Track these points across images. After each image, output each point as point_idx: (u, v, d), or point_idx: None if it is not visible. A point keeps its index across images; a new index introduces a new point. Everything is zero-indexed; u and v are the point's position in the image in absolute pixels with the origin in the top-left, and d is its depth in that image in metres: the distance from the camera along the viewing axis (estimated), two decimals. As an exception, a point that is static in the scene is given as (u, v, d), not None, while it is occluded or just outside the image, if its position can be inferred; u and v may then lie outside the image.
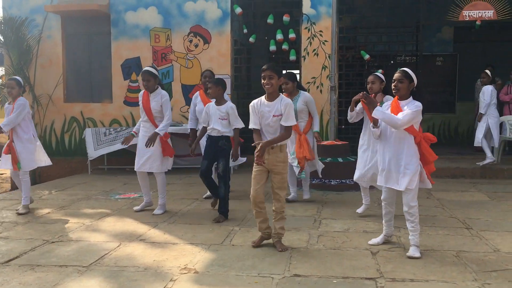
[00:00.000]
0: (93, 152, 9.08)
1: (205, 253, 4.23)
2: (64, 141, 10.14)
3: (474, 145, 8.61)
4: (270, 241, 4.42)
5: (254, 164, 4.31)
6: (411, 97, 4.13)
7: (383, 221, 4.43)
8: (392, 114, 4.05)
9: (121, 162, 9.58)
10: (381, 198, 4.38)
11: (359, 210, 5.59)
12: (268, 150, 4.21)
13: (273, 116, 4.24)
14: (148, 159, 5.74)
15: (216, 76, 6.47)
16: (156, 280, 3.60)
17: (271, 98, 4.29)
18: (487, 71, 8.67)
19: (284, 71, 5.85)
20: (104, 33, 10.04)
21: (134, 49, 9.85)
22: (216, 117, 5.46)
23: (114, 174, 9.15)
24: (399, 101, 4.15)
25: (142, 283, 3.55)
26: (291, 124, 4.27)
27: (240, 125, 5.51)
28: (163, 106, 5.71)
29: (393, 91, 4.18)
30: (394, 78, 4.15)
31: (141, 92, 5.88)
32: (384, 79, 5.28)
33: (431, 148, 4.23)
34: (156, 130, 5.63)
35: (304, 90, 6.32)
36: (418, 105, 4.05)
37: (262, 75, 4.25)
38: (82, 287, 3.49)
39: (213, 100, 5.75)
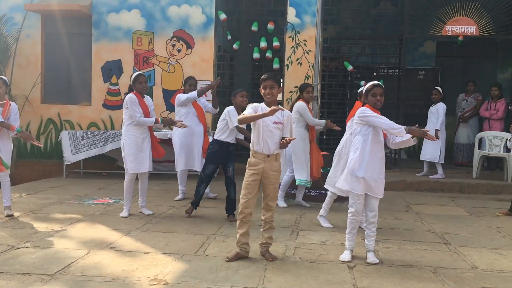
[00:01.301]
0: (70, 157, 8.84)
1: (177, 263, 4.08)
2: (39, 143, 9.85)
3: (431, 160, 8.64)
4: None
5: (246, 172, 4.21)
6: None
7: (349, 236, 4.29)
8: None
9: (98, 166, 9.36)
10: (353, 210, 4.24)
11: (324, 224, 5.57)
12: (264, 158, 4.15)
13: (274, 122, 4.16)
14: (145, 159, 5.83)
15: (200, 82, 6.64)
16: (123, 291, 3.44)
17: (271, 106, 4.17)
18: (438, 88, 8.80)
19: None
20: (85, 34, 9.85)
21: (115, 51, 9.67)
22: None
23: (90, 178, 8.93)
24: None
25: (108, 294, 3.39)
26: (288, 136, 4.23)
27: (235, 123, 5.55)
28: (150, 108, 5.91)
29: (376, 105, 4.22)
30: (376, 92, 4.21)
31: (132, 96, 5.73)
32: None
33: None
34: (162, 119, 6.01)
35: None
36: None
37: (263, 84, 4.18)
38: (44, 297, 3.31)
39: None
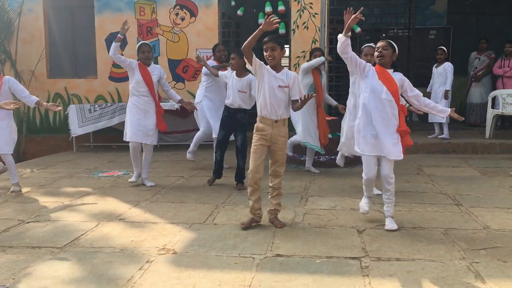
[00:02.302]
0: (76, 129, 8.84)
1: (185, 233, 4.08)
2: (48, 118, 9.88)
3: (443, 121, 8.43)
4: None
5: (254, 137, 4.17)
6: (392, 69, 4.10)
7: (365, 188, 4.31)
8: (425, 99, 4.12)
9: (107, 139, 9.37)
10: (363, 173, 4.21)
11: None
12: (272, 123, 4.09)
13: (279, 86, 4.08)
14: (145, 131, 5.76)
15: (203, 50, 6.52)
16: (131, 262, 3.45)
17: (276, 70, 4.12)
18: (443, 47, 8.59)
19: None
20: (87, 6, 9.68)
21: (119, 22, 9.36)
22: (236, 89, 5.54)
23: (99, 151, 8.96)
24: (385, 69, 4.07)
25: (117, 265, 3.40)
26: (297, 98, 4.16)
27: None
28: (163, 81, 5.90)
29: (377, 58, 4.06)
30: (378, 46, 4.08)
31: (134, 62, 5.71)
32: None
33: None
34: (181, 99, 6.07)
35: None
36: (401, 75, 4.12)
37: (264, 47, 4.06)
38: (53, 269, 3.33)
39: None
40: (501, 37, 10.44)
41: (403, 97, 4.30)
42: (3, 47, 9.35)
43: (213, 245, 3.76)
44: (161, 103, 8.49)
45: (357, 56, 4.15)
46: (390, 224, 4.10)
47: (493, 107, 8.61)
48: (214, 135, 6.49)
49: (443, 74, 8.44)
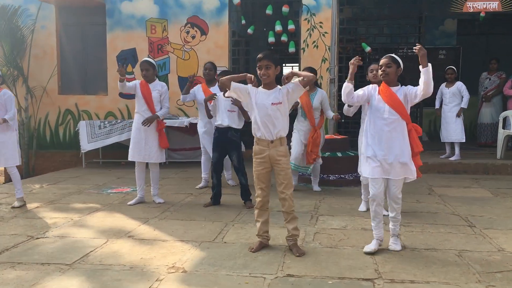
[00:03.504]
0: (86, 145, 8.89)
1: (195, 251, 4.04)
2: (58, 134, 9.93)
3: (459, 140, 8.40)
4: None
5: (254, 161, 4.03)
6: (399, 84, 4.00)
7: (374, 224, 4.05)
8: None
9: (116, 156, 9.38)
10: (370, 196, 4.02)
11: (361, 208, 5.43)
12: (268, 144, 3.95)
13: (272, 104, 3.90)
14: (146, 150, 5.76)
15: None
16: (141, 280, 3.41)
17: (268, 87, 3.98)
18: (453, 67, 8.57)
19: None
20: (99, 23, 9.81)
21: (130, 40, 9.63)
22: (224, 109, 5.56)
23: (108, 167, 8.97)
24: (389, 87, 3.97)
25: (126, 283, 3.36)
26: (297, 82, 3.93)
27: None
28: (163, 96, 5.82)
29: (381, 76, 3.98)
30: (381, 63, 3.98)
31: (136, 82, 5.79)
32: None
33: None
34: (157, 113, 5.70)
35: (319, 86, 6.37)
36: (411, 87, 3.98)
37: (258, 65, 3.92)
38: (62, 286, 3.29)
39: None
40: (511, 56, 10.42)
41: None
42: (15, 63, 9.45)
43: (223, 264, 3.71)
44: (170, 120, 8.60)
45: (358, 93, 4.03)
46: (394, 244, 4.01)
47: (504, 127, 8.54)
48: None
49: (457, 94, 8.37)
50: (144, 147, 5.73)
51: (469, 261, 3.73)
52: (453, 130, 8.39)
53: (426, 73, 3.76)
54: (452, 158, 8.41)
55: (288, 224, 4.05)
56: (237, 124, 5.65)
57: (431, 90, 3.82)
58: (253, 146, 4.06)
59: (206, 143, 6.57)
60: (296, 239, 4.06)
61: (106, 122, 9.01)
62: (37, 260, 3.83)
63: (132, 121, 8.60)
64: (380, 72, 3.99)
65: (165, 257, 3.90)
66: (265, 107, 3.91)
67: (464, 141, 8.38)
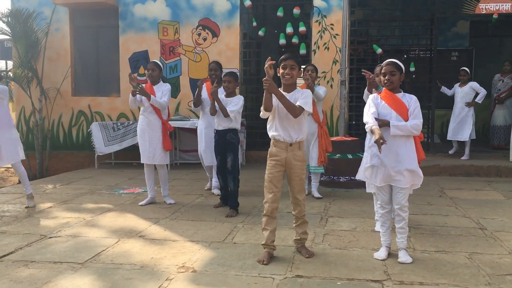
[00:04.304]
0: (103, 148, 9.01)
1: (205, 251, 4.07)
2: (72, 135, 10.05)
3: (465, 139, 8.61)
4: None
5: (268, 163, 3.94)
6: (401, 90, 3.93)
7: (383, 231, 3.99)
8: (407, 123, 3.77)
9: (128, 157, 9.47)
10: (379, 203, 3.98)
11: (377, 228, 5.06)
12: (286, 147, 3.88)
13: None
14: (150, 152, 5.80)
15: (225, 70, 6.40)
16: (151, 279, 3.45)
17: (288, 89, 3.93)
18: (466, 68, 8.79)
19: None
20: (112, 26, 9.92)
21: (142, 42, 9.72)
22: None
23: (120, 168, 9.06)
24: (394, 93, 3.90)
25: (137, 282, 3.40)
26: (306, 109, 3.85)
27: (231, 114, 5.38)
28: (163, 93, 5.77)
29: (385, 85, 3.88)
30: (383, 71, 3.86)
31: (142, 86, 5.81)
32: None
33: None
34: (152, 97, 5.63)
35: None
36: (415, 98, 3.90)
37: (283, 64, 3.84)
38: (74, 285, 3.35)
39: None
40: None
41: None
42: (30, 65, 9.58)
43: (232, 264, 3.74)
44: (181, 122, 8.65)
45: (371, 112, 3.89)
46: (404, 257, 3.81)
47: (516, 129, 8.48)
48: (205, 163, 6.37)
49: (469, 94, 8.55)
50: (148, 148, 5.79)
51: (479, 264, 3.72)
52: (459, 129, 8.60)
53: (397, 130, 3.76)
54: (462, 158, 8.47)
55: (298, 228, 4.02)
56: (236, 125, 5.50)
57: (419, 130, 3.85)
58: (270, 148, 3.96)
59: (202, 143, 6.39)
60: (304, 243, 4.06)
61: (119, 124, 9.09)
62: (50, 259, 3.90)
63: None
64: (384, 80, 3.87)
65: (175, 257, 3.94)
66: (284, 110, 3.82)
67: (467, 140, 8.52)
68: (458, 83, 8.76)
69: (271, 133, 3.94)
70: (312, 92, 5.90)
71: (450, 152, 8.76)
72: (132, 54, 9.76)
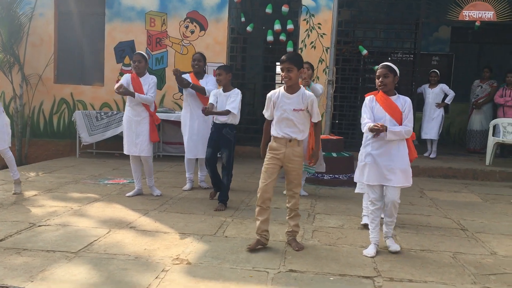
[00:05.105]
0: (87, 138, 8.91)
1: (197, 244, 4.11)
2: (52, 123, 9.90)
3: (433, 137, 9.18)
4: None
5: (266, 156, 4.09)
6: (396, 92, 4.09)
7: (372, 228, 4.13)
8: (401, 127, 3.95)
9: (110, 147, 9.40)
10: (370, 199, 4.11)
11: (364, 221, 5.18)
12: (286, 142, 4.01)
13: (294, 110, 3.98)
14: (138, 143, 5.78)
15: (211, 64, 6.42)
16: (147, 270, 3.48)
17: (291, 91, 4.02)
18: (436, 70, 9.34)
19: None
20: (98, 13, 9.80)
21: (129, 32, 9.63)
22: (223, 105, 5.48)
23: (102, 158, 8.98)
24: (388, 96, 4.06)
25: (133, 272, 3.42)
26: (318, 119, 4.12)
27: (233, 110, 5.40)
28: (150, 86, 5.75)
29: (379, 87, 4.06)
30: (378, 74, 4.04)
31: (128, 76, 5.79)
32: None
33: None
34: (136, 94, 5.62)
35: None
36: (409, 101, 4.08)
37: (281, 67, 3.97)
38: (70, 274, 3.35)
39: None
40: (502, 66, 10.67)
41: None
42: (12, 51, 9.39)
43: (226, 258, 3.80)
44: (166, 114, 8.64)
45: (367, 115, 4.07)
46: (394, 245, 4.09)
47: (493, 135, 8.75)
48: (188, 156, 6.27)
49: (439, 95, 9.14)
50: (135, 140, 5.76)
51: (464, 263, 3.87)
52: (430, 128, 9.09)
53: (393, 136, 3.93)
54: (430, 156, 9.09)
55: (291, 220, 4.15)
56: (234, 120, 5.51)
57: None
58: (270, 143, 4.10)
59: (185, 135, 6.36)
60: (296, 235, 4.19)
61: (103, 113, 9.01)
62: (42, 247, 3.88)
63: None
64: (377, 82, 4.04)
65: (168, 248, 3.97)
66: (286, 112, 3.97)
67: (436, 139, 9.07)
68: (427, 84, 9.27)
69: (272, 132, 4.10)
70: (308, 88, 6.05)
71: (425, 154, 9.09)
72: (118, 43, 9.66)
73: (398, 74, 4.09)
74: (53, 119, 9.87)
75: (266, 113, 4.13)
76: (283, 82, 4.02)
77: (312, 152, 4.36)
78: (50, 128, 9.90)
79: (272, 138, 4.11)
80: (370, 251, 4.03)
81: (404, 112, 4.00)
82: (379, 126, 3.87)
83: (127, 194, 5.87)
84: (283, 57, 3.97)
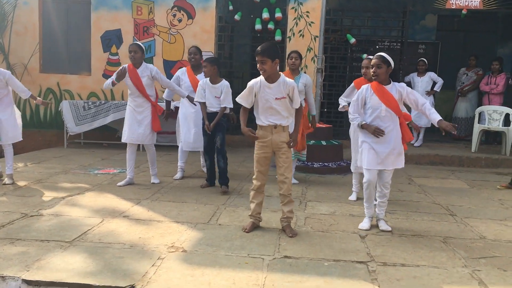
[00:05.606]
0: (74, 127, 8.81)
1: (191, 232, 4.14)
2: (39, 113, 9.79)
3: (426, 125, 9.16)
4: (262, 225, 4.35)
5: (255, 146, 4.16)
6: (391, 81, 4.21)
7: (367, 205, 4.39)
8: (430, 110, 4.15)
9: (97, 137, 9.33)
10: (366, 181, 4.28)
11: (352, 198, 5.55)
12: (271, 129, 4.07)
13: (276, 99, 4.01)
14: (140, 132, 5.81)
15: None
16: (143, 258, 3.49)
17: (270, 80, 4.05)
18: (424, 59, 9.44)
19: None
20: (83, 2, 9.67)
21: (115, 20, 9.53)
22: (212, 95, 5.61)
23: (91, 148, 8.92)
24: (383, 86, 4.18)
25: (129, 260, 3.44)
26: (298, 106, 4.15)
27: (229, 105, 5.61)
28: (158, 77, 5.82)
29: (373, 77, 4.20)
30: (372, 63, 4.17)
31: (124, 68, 5.71)
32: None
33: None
34: (168, 101, 6.29)
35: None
36: (404, 84, 4.26)
37: (257, 59, 4.00)
38: (66, 262, 3.35)
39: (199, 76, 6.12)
40: (487, 54, 10.78)
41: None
42: (-4, 39, 9.25)
43: (221, 245, 3.83)
44: (160, 104, 8.59)
45: (356, 105, 4.30)
46: (384, 225, 4.33)
47: (479, 122, 8.88)
48: (185, 148, 6.30)
49: (429, 83, 9.24)
50: (137, 129, 5.77)
51: (454, 247, 3.95)
52: (422, 116, 8.92)
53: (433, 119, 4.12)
54: (415, 144, 9.13)
55: (284, 207, 4.21)
56: (227, 110, 5.71)
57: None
58: (257, 131, 4.15)
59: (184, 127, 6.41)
60: (290, 221, 4.25)
61: (90, 103, 8.92)
62: (36, 237, 3.86)
63: (117, 103, 8.68)
64: (371, 72, 4.19)
65: (163, 237, 3.98)
66: (268, 101, 4.03)
67: (429, 125, 8.99)
68: (415, 73, 9.37)
69: (257, 121, 4.16)
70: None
71: (417, 145, 9.15)
72: (104, 32, 9.56)
73: (393, 65, 4.15)
74: (40, 109, 9.76)
75: (243, 101, 4.11)
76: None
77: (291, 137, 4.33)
78: (36, 118, 9.80)
79: (258, 127, 4.18)
80: (364, 224, 4.36)
81: (404, 96, 4.18)
82: (383, 132, 4.15)
83: (118, 184, 5.86)
84: (258, 48, 3.97)
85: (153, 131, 5.87)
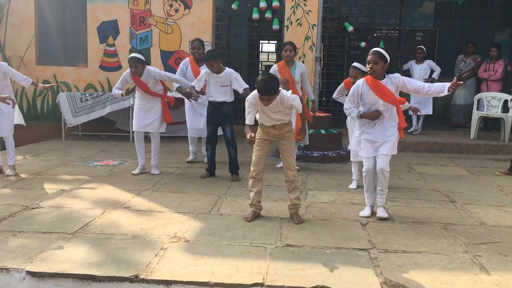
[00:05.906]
0: (72, 119, 8.78)
1: (193, 222, 4.14)
2: (36, 105, 9.76)
3: (426, 113, 9.17)
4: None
5: (257, 132, 4.27)
6: (385, 75, 4.20)
7: (367, 194, 4.43)
8: (430, 86, 4.15)
9: (95, 129, 9.32)
10: (365, 169, 4.35)
11: (352, 186, 5.57)
12: (274, 126, 4.20)
13: (274, 112, 4.14)
14: (149, 120, 5.87)
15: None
16: (145, 248, 3.50)
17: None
18: (422, 46, 9.41)
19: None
20: (79, -7, 9.60)
21: (111, 11, 9.46)
22: (217, 85, 5.63)
23: (89, 140, 8.90)
24: (378, 80, 4.20)
25: (132, 251, 3.44)
26: (301, 110, 4.31)
27: (245, 86, 5.62)
28: (162, 78, 5.84)
29: (369, 72, 4.21)
30: (368, 60, 4.16)
31: (126, 75, 5.80)
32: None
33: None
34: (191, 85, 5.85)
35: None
36: (398, 74, 4.25)
37: (263, 98, 4.05)
38: (68, 254, 3.35)
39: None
40: (485, 40, 10.76)
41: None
42: (-9, 32, 9.19)
43: (223, 235, 3.84)
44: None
45: (351, 100, 4.33)
46: (382, 212, 4.34)
47: (477, 109, 8.89)
48: (191, 134, 6.59)
49: (427, 71, 9.25)
50: (146, 117, 5.83)
51: (455, 234, 3.97)
52: (424, 103, 9.01)
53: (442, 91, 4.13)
54: (414, 133, 9.12)
55: (291, 194, 4.27)
56: (231, 96, 5.75)
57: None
58: (258, 127, 4.31)
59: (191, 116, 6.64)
60: (298, 208, 4.29)
61: (88, 95, 8.88)
62: (38, 229, 3.87)
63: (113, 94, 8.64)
64: (368, 67, 4.19)
65: (165, 227, 3.99)
66: (268, 114, 4.17)
67: (431, 113, 9.08)
68: (414, 61, 9.37)
69: (259, 119, 4.27)
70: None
71: (410, 130, 9.17)
72: (101, 23, 9.50)
73: (389, 61, 4.18)
74: (37, 101, 9.73)
75: (247, 118, 4.21)
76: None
77: (300, 128, 4.44)
78: (33, 110, 9.76)
79: (260, 124, 4.30)
80: (365, 212, 4.43)
81: (401, 87, 4.19)
82: (379, 112, 4.21)
83: (133, 172, 6.00)
84: (261, 89, 3.96)
85: (162, 120, 5.92)
